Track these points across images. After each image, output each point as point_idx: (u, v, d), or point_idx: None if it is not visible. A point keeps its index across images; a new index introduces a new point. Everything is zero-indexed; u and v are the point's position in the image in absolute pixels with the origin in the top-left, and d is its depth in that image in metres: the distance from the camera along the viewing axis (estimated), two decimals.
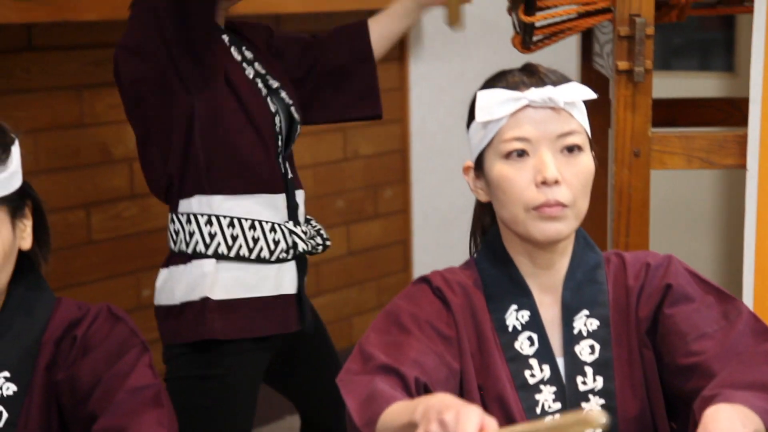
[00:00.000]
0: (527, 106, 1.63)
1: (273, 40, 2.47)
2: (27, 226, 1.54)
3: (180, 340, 2.32)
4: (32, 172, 2.81)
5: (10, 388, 1.49)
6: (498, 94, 1.64)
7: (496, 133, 1.65)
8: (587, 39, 2.61)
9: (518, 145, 1.63)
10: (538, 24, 2.21)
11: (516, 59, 2.36)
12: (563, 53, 3.31)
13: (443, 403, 1.35)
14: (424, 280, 1.71)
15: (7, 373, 1.50)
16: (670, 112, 2.82)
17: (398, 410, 1.45)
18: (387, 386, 1.52)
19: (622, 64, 2.01)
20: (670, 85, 3.84)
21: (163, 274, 2.34)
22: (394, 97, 3.73)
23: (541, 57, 2.46)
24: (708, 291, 1.68)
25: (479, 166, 1.69)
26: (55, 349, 1.54)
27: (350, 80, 2.45)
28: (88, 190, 2.95)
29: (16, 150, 1.51)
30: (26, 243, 1.54)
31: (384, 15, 2.52)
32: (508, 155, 1.64)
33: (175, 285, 2.31)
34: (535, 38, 2.26)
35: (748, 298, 2.02)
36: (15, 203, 1.50)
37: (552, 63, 2.69)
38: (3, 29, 2.73)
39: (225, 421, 2.31)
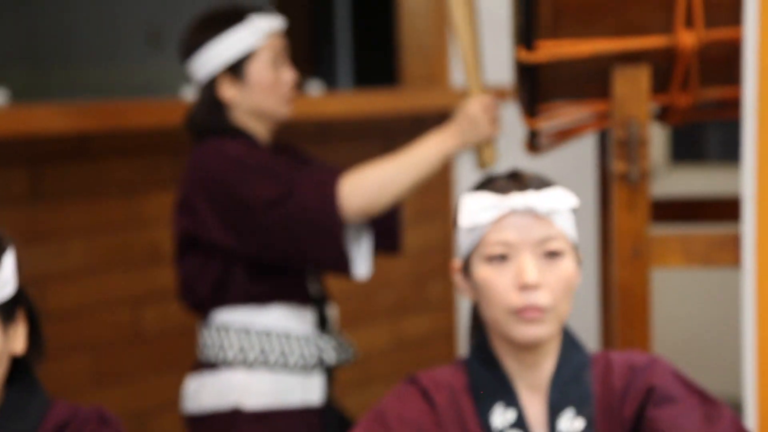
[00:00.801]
0: (510, 212, 1.69)
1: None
2: (18, 331, 1.58)
3: None
4: (85, 270, 2.96)
5: None
6: (482, 200, 1.71)
7: (480, 237, 1.71)
8: (603, 140, 2.66)
9: (500, 250, 1.69)
10: (546, 127, 2.27)
11: (555, 158, 2.41)
12: (582, 154, 3.35)
13: None
14: (413, 380, 1.76)
15: None
16: (709, 208, 2.82)
17: None
18: None
19: (619, 167, 2.06)
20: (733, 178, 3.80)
21: (192, 381, 2.44)
22: (439, 194, 3.81)
23: (560, 158, 2.52)
24: (692, 393, 1.69)
25: (466, 267, 1.75)
26: None
27: (375, 221, 2.54)
28: (137, 288, 3.06)
29: (8, 258, 1.54)
30: (18, 347, 1.58)
31: None
32: (490, 259, 1.69)
33: (204, 393, 2.40)
34: (545, 141, 2.33)
35: (750, 402, 2.00)
36: (6, 309, 1.54)
37: (570, 164, 2.74)
38: (59, 138, 2.89)
39: None
